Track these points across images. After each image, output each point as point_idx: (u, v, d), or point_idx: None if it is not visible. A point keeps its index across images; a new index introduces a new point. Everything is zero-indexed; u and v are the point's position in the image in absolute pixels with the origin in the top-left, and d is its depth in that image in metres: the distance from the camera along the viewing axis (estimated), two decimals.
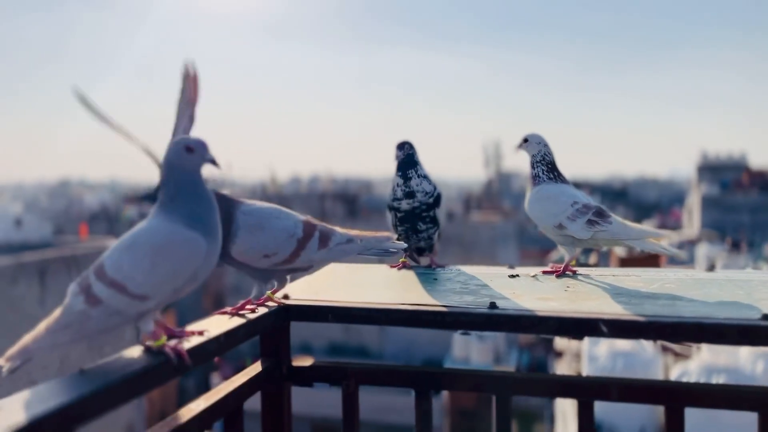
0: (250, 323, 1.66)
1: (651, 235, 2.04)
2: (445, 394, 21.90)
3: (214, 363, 21.03)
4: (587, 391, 1.72)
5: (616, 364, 13.82)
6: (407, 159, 2.32)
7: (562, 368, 20.10)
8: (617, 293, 1.90)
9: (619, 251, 32.61)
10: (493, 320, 1.70)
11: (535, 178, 2.27)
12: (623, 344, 14.24)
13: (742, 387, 1.76)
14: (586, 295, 1.89)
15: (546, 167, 2.28)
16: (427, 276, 2.23)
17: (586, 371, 14.88)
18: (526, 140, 2.32)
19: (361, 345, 32.54)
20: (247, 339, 1.67)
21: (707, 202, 42.61)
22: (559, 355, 20.62)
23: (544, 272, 2.20)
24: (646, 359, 14.44)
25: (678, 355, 15.39)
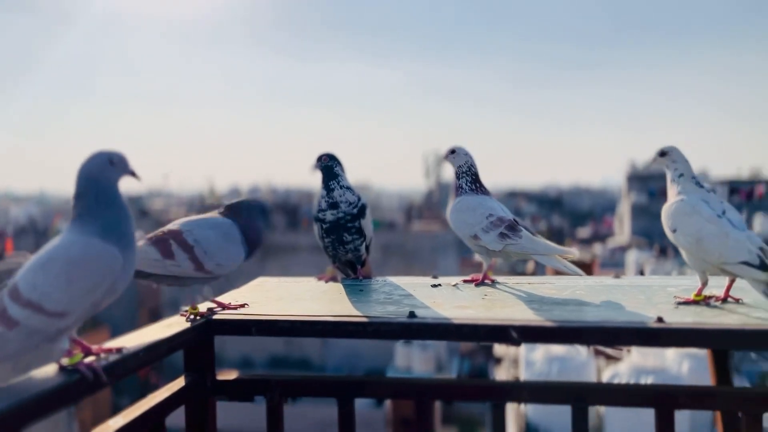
0: (172, 338, 1.67)
1: (557, 251, 2.13)
2: (388, 403, 21.96)
3: (150, 381, 20.40)
4: (499, 394, 1.81)
5: (551, 369, 14.22)
6: (327, 171, 2.38)
7: (501, 374, 20.49)
8: (530, 300, 2.00)
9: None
10: (411, 329, 1.77)
11: (458, 189, 2.36)
12: (558, 349, 14.65)
13: (640, 386, 1.89)
14: (501, 303, 1.99)
15: (470, 179, 2.37)
16: (354, 287, 2.29)
17: (523, 376, 15.24)
18: (453, 151, 2.41)
19: (303, 357, 32.23)
20: (170, 354, 1.68)
21: (636, 210, 44.37)
22: (498, 361, 21.04)
23: (465, 281, 2.29)
24: (580, 362, 14.91)
25: (610, 358, 15.98)
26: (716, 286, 1.90)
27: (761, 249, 1.74)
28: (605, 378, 13.65)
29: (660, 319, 1.67)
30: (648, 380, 12.47)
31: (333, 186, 2.37)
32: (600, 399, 1.81)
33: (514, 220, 2.22)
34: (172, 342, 1.66)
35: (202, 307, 1.92)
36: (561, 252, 2.11)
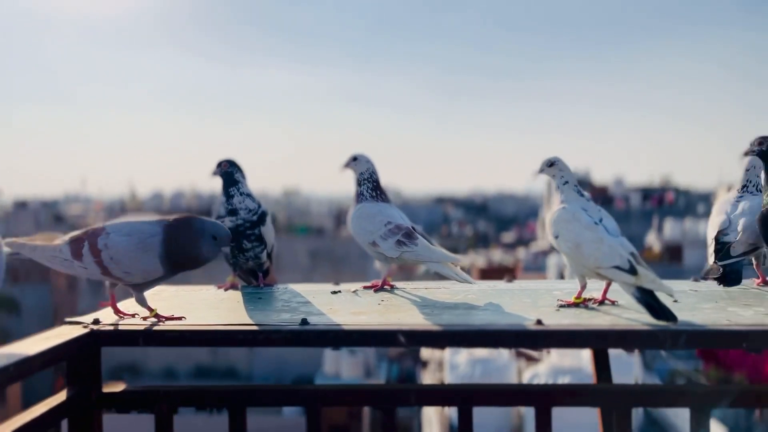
0: (52, 350, 1.62)
1: (450, 259, 2.18)
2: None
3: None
4: (389, 399, 1.85)
5: (474, 371, 14.53)
6: (227, 177, 2.36)
7: (427, 377, 20.79)
8: (424, 305, 2.05)
9: (480, 263, 34.21)
10: (302, 336, 1.78)
11: (359, 196, 2.39)
12: (481, 352, 15.00)
13: (522, 385, 1.97)
14: (396, 308, 2.03)
15: (371, 186, 2.40)
16: (253, 296, 2.27)
17: (448, 379, 15.52)
18: (354, 159, 2.43)
19: (230, 367, 31.57)
20: (48, 366, 1.62)
21: None
22: (425, 364, 21.33)
23: (365, 287, 2.33)
24: (502, 364, 15.32)
25: (530, 359, 16.52)
26: (597, 289, 2.01)
27: (632, 254, 1.85)
28: (525, 378, 14.10)
29: (539, 322, 1.75)
30: (565, 380, 12.96)
31: (233, 192, 2.35)
32: (484, 400, 1.88)
33: (412, 228, 2.27)
34: (52, 354, 1.60)
35: (88, 318, 1.86)
36: (453, 260, 2.17)
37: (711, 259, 2.13)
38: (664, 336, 1.68)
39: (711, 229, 2.22)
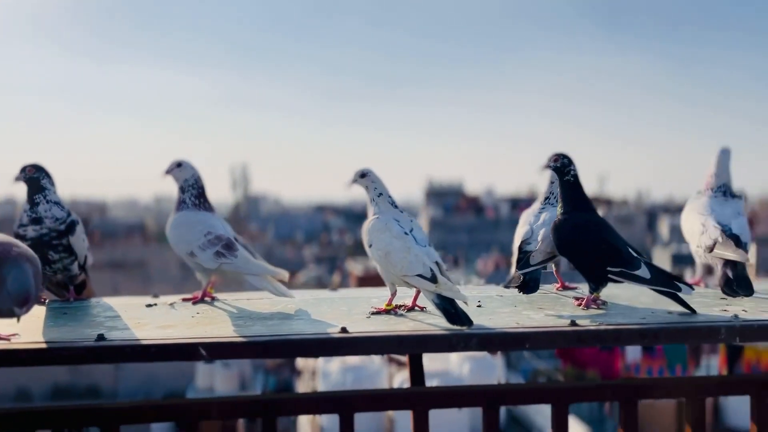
0: None
1: (270, 273, 2.17)
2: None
3: None
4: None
5: (346, 379, 14.62)
6: (32, 183, 2.22)
7: (302, 386, 20.62)
8: (240, 317, 2.03)
9: (357, 271, 34.47)
10: (96, 352, 1.69)
11: (181, 204, 2.32)
12: (353, 359, 15.14)
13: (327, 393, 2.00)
14: (209, 320, 1.99)
15: (195, 193, 2.33)
16: (57, 311, 2.14)
17: (320, 387, 15.47)
18: (179, 165, 2.35)
19: (92, 385, 29.51)
20: None
21: (434, 224, 47.62)
22: (299, 374, 21.15)
23: (183, 300, 2.26)
24: (374, 371, 15.54)
25: (401, 364, 16.90)
26: (411, 296, 2.08)
27: (437, 263, 1.94)
28: (396, 383, 14.38)
29: (344, 329, 1.79)
30: (433, 383, 13.36)
31: (38, 200, 2.20)
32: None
33: (234, 239, 2.24)
34: None
35: None
36: (273, 273, 2.16)
37: (513, 268, 2.28)
38: (456, 339, 1.77)
39: (516, 239, 2.38)
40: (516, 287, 2.22)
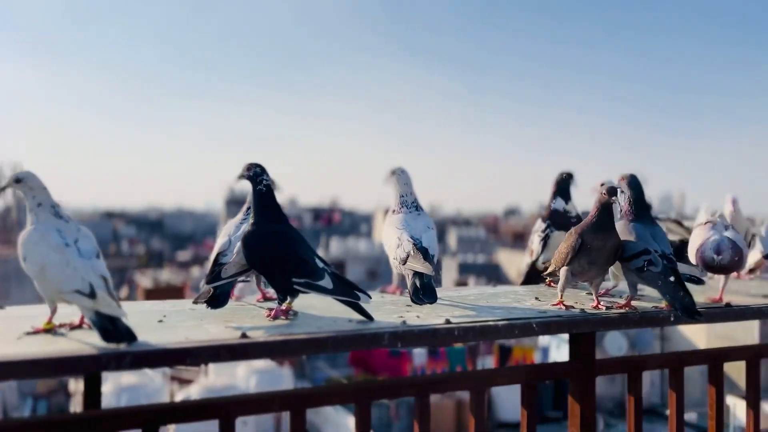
0: None
1: None
2: None
3: None
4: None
5: (120, 400, 13.54)
6: None
7: (76, 408, 18.73)
8: None
9: (146, 283, 32.38)
10: None
11: None
12: (129, 378, 14.13)
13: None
14: None
15: None
16: None
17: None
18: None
19: None
20: None
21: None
22: (70, 396, 19.22)
23: None
24: (153, 389, 14.64)
25: (183, 381, 16.17)
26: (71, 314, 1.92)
27: (103, 278, 1.80)
28: (178, 400, 13.70)
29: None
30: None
31: None
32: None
33: None
34: None
35: None
36: None
37: (204, 281, 2.23)
38: (108, 359, 1.66)
39: (213, 250, 2.33)
40: (204, 302, 2.16)
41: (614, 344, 21.70)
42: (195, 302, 2.23)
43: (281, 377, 15.75)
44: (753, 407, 2.75)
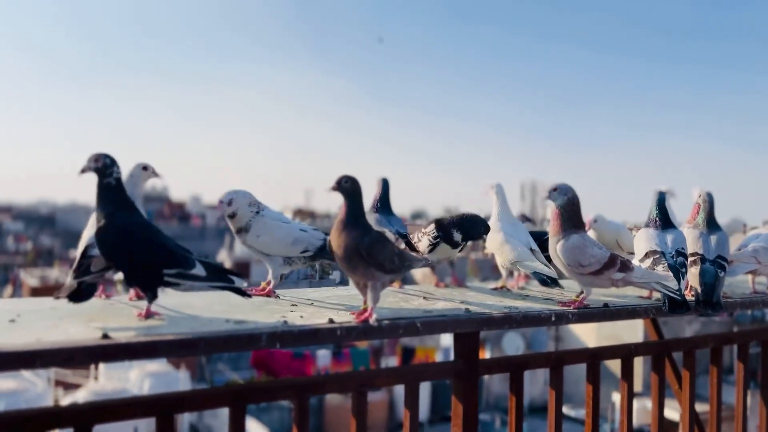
0: None
1: None
2: None
3: None
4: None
5: None
6: None
7: None
8: None
9: (32, 281, 30.43)
10: None
11: None
12: (8, 384, 13.10)
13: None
14: None
15: None
16: None
17: None
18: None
19: None
20: None
21: None
22: None
23: None
24: (36, 394, 13.65)
25: (69, 386, 15.20)
26: None
27: None
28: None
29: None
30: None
31: None
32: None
33: None
34: None
35: None
36: None
37: (71, 276, 2.05)
38: None
39: (81, 243, 2.16)
40: (66, 297, 1.98)
41: (512, 345, 22.54)
42: (56, 297, 2.04)
43: (177, 380, 15.13)
44: (627, 401, 2.88)
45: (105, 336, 1.70)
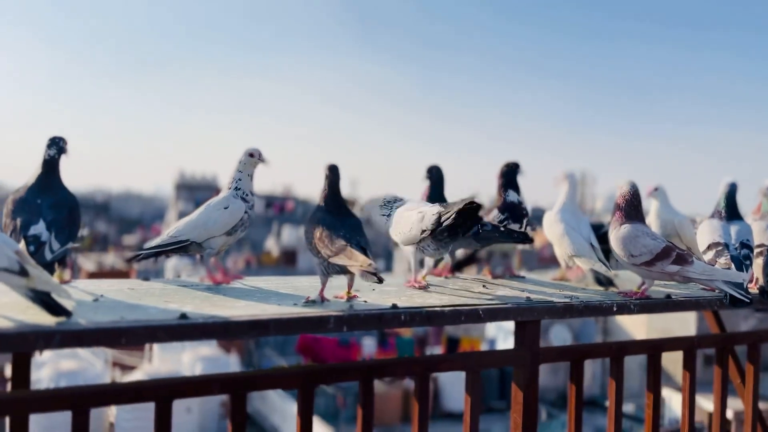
0: None
1: None
2: None
3: None
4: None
5: (59, 385, 13.15)
6: None
7: None
8: None
9: (89, 266, 31.47)
10: None
11: None
12: (68, 364, 13.68)
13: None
14: None
15: None
16: None
17: None
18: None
19: None
20: None
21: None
22: (6, 381, 18.56)
23: None
24: (95, 374, 14.22)
25: (126, 367, 15.77)
26: None
27: (18, 253, 1.69)
28: None
29: None
30: None
31: None
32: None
33: None
34: None
35: None
36: None
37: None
38: (35, 337, 1.57)
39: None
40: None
41: (559, 336, 22.25)
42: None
43: (227, 364, 15.51)
44: (690, 394, 2.83)
45: (183, 316, 1.78)
